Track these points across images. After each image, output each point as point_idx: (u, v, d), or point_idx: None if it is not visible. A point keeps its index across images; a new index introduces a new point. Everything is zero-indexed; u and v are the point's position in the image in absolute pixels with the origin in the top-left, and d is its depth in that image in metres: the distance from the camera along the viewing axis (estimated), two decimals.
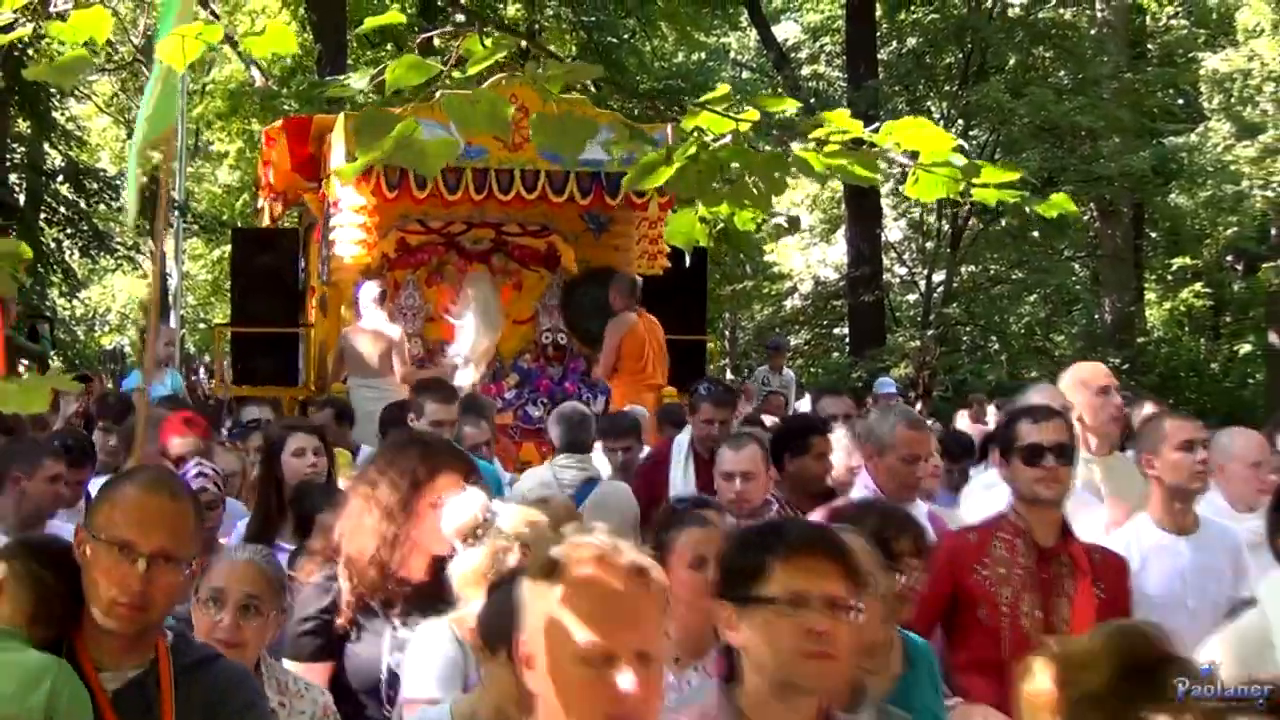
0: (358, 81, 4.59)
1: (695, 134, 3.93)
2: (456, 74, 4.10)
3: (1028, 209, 3.92)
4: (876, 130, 3.75)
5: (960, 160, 3.72)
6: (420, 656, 4.66)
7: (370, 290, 13.99)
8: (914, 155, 3.79)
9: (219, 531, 7.48)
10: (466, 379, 14.73)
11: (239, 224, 30.23)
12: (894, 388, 20.64)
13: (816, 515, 6.38)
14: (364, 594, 5.00)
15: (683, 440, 9.94)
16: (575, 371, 15.97)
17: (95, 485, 7.81)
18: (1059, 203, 4.02)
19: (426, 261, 16.01)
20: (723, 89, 4.05)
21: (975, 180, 3.76)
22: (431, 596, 4.85)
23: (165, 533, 3.61)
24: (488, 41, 3.96)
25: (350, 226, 14.15)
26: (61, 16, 3.73)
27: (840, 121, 3.75)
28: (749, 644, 3.54)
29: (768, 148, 4.06)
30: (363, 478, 5.28)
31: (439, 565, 4.85)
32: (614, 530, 7.35)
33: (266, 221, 18.92)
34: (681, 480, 9.56)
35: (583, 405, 11.20)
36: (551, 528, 6.14)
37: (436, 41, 23.76)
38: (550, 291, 16.20)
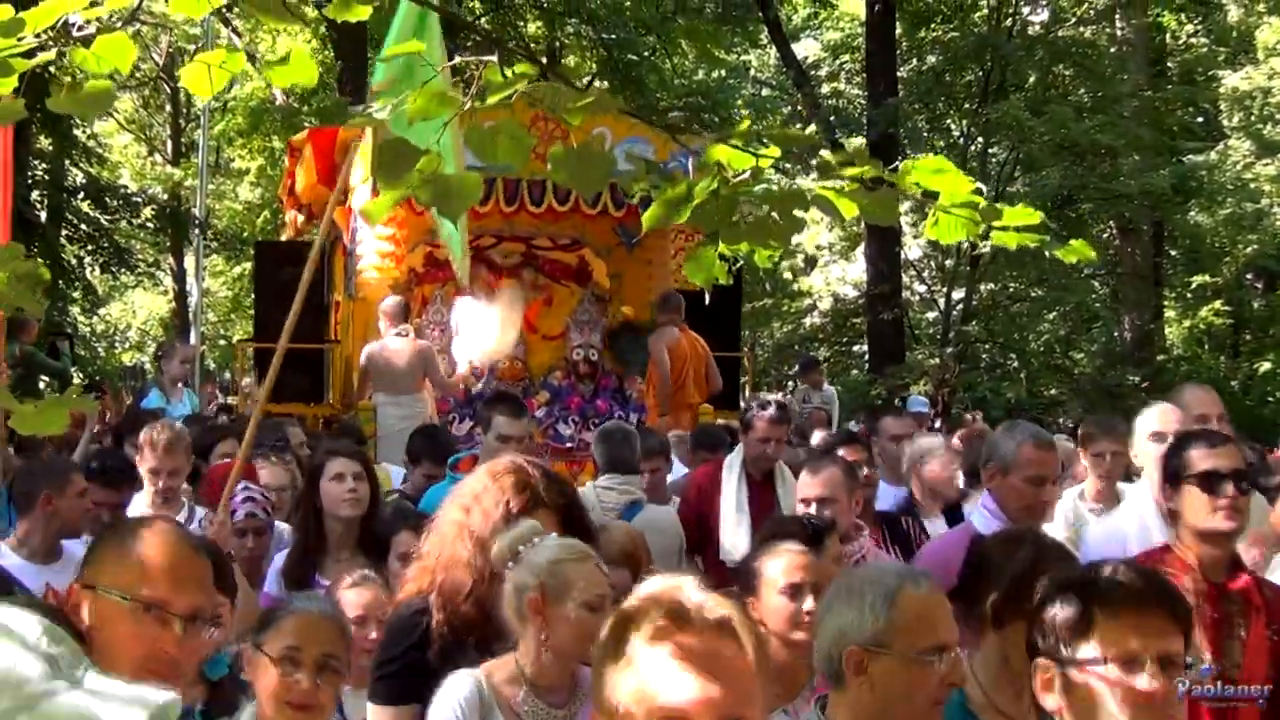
0: (379, 110, 4.60)
1: (716, 168, 3.93)
2: (477, 103, 4.11)
3: (1048, 253, 3.90)
4: (895, 170, 3.75)
5: (980, 203, 3.72)
6: (441, 703, 4.44)
7: (394, 305, 13.81)
8: (933, 194, 3.79)
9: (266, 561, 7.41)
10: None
11: (260, 240, 30.17)
12: (925, 406, 20.36)
13: (953, 538, 6.24)
14: (459, 630, 4.78)
15: (734, 461, 9.39)
16: (607, 389, 15.52)
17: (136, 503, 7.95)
18: (1078, 249, 4.01)
19: (455, 276, 15.02)
20: (744, 124, 4.05)
21: (996, 223, 3.76)
22: None
23: (197, 590, 3.38)
24: (508, 71, 3.96)
25: (377, 240, 14.00)
26: (85, 42, 3.74)
27: (859, 162, 3.75)
28: (1070, 708, 3.34)
29: (786, 181, 4.06)
30: (456, 502, 5.06)
31: None
32: (659, 555, 7.10)
33: (289, 235, 18.56)
34: (734, 504, 9.09)
35: (627, 424, 10.94)
36: (617, 558, 6.09)
37: (457, 62, 23.86)
38: (581, 307, 15.85)
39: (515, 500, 4.83)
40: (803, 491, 7.10)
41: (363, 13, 3.84)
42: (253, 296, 20.81)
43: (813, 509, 6.77)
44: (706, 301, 11.57)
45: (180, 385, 14.88)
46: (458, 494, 5.12)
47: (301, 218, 17.65)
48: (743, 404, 17.61)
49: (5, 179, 5.54)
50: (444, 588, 4.82)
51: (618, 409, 14.82)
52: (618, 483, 8.94)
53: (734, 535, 8.85)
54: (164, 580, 3.30)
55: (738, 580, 5.22)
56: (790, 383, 31.76)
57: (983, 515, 6.31)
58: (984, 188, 3.57)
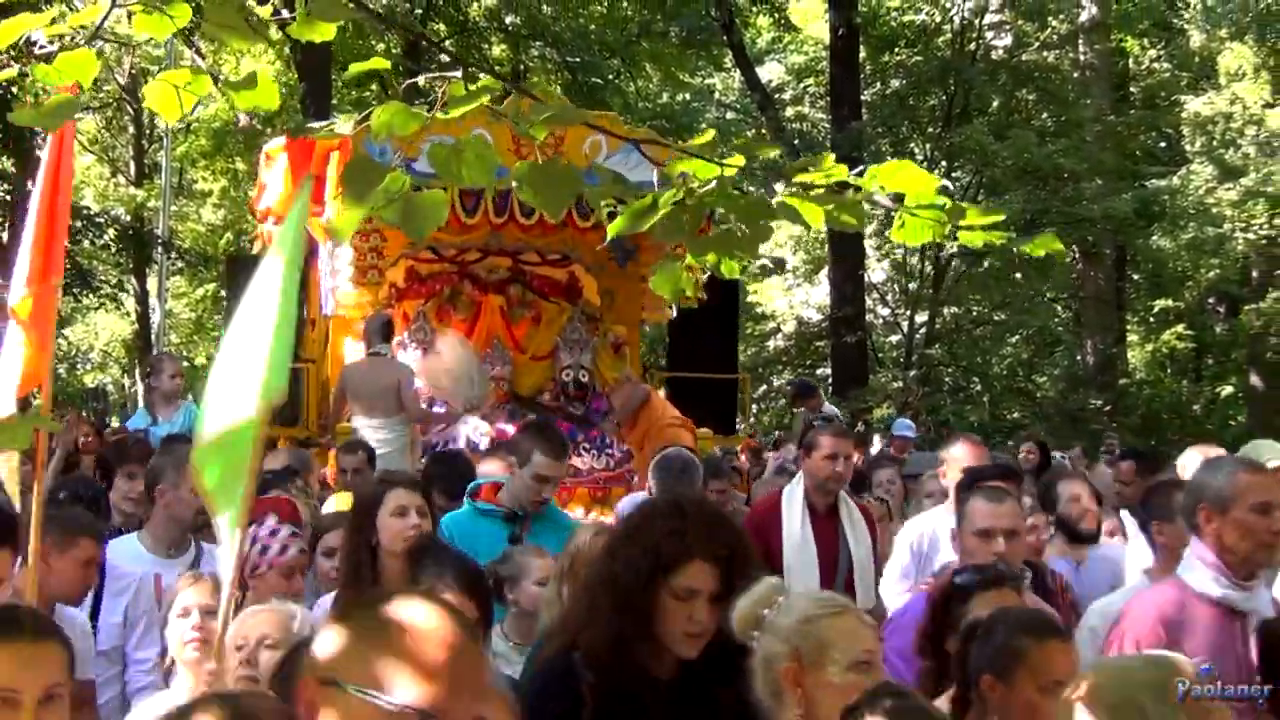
0: (343, 126, 4.58)
1: (681, 179, 3.92)
2: (441, 117, 4.09)
3: (1015, 250, 3.89)
4: (861, 174, 3.74)
5: (945, 202, 3.71)
6: None
7: (375, 322, 13.16)
8: (899, 199, 3.78)
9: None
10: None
11: (230, 254, 29.79)
12: (911, 430, 19.53)
13: (1167, 598, 5.49)
14: (613, 693, 4.21)
15: (794, 492, 8.60)
16: (599, 411, 14.39)
17: (116, 546, 7.40)
18: (1045, 242, 3.99)
19: (438, 292, 14.78)
20: (708, 134, 4.04)
21: (961, 222, 3.75)
22: (692, 698, 4.23)
23: (476, 698, 2.58)
24: (471, 86, 3.94)
25: (356, 254, 13.30)
26: (47, 59, 3.72)
27: (825, 166, 3.74)
28: None
29: (753, 189, 4.06)
30: (596, 545, 4.77)
31: (700, 662, 4.20)
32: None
33: (261, 248, 17.15)
34: (799, 540, 8.36)
35: (687, 450, 10.20)
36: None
37: (421, 82, 23.80)
38: (571, 325, 14.72)
39: (667, 548, 4.21)
40: (982, 521, 6.25)
41: (326, 32, 3.83)
42: (217, 317, 20.59)
43: (998, 543, 6.11)
44: (714, 304, 11.06)
45: (177, 400, 13.75)
46: (594, 539, 4.83)
47: (276, 231, 16.51)
48: (740, 428, 17.30)
49: (56, 193, 5.41)
50: (591, 646, 4.27)
51: (610, 435, 13.77)
52: None
53: (803, 575, 8.07)
54: (440, 682, 2.50)
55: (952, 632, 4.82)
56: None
57: (1199, 568, 5.49)
58: (949, 184, 3.55)
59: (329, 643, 2.60)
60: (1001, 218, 3.79)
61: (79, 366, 50.67)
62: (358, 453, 10.67)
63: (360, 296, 13.70)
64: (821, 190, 3.88)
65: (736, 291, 17.70)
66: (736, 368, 17.61)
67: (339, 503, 8.94)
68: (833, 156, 3.92)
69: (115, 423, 33.04)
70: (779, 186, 3.88)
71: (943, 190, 3.69)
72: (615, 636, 4.20)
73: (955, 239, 3.87)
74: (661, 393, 15.20)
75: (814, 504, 8.50)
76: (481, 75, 4.05)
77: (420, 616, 2.57)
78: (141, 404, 15.05)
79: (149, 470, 7.83)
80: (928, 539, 8.29)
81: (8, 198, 32.35)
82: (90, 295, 38.00)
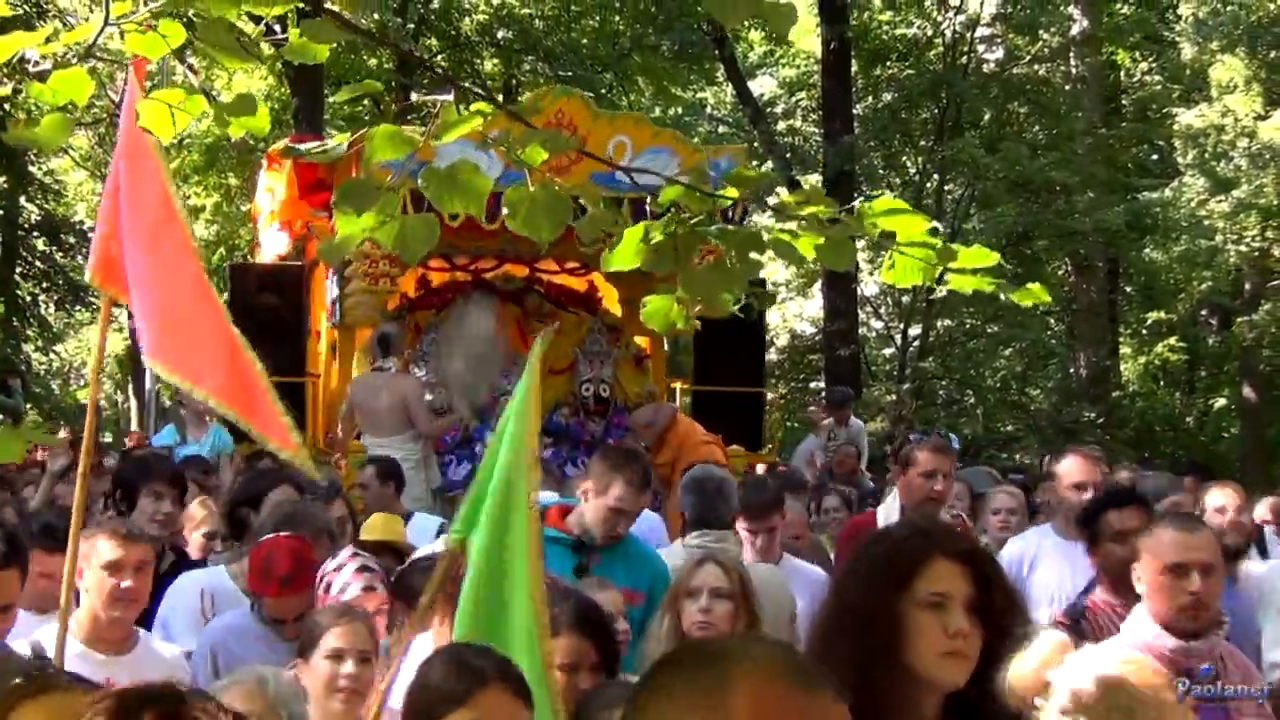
0: (335, 146, 4.58)
1: (672, 210, 3.91)
2: (434, 142, 4.09)
3: (1003, 295, 3.87)
4: (852, 211, 3.73)
5: (936, 243, 3.71)
6: None
7: (380, 335, 12.75)
8: (889, 237, 3.76)
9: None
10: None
11: (233, 262, 29.26)
12: (955, 442, 18.38)
13: None
14: None
15: (890, 513, 7.90)
16: (620, 427, 13.83)
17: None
18: (1035, 293, 3.98)
19: (451, 301, 14.13)
20: (699, 156, 4.05)
21: (952, 265, 3.74)
22: None
23: None
24: (463, 109, 3.95)
25: (367, 262, 12.74)
26: (41, 77, 3.73)
27: (814, 200, 3.74)
28: None
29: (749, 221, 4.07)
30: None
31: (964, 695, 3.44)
32: (770, 629, 6.08)
33: (267, 258, 16.87)
34: None
35: (719, 470, 9.42)
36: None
37: (414, 97, 23.81)
38: (591, 336, 14.15)
39: (907, 547, 3.56)
40: (1174, 554, 5.29)
41: (320, 54, 3.83)
42: None
43: (1193, 579, 5.16)
44: (738, 317, 10.66)
45: (207, 421, 13.13)
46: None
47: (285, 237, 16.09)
48: (768, 446, 16.78)
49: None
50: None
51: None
52: (712, 540, 7.46)
53: None
54: None
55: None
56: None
57: None
58: (939, 226, 3.50)
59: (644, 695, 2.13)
60: (993, 261, 3.76)
61: (72, 383, 50.64)
62: (366, 468, 10.42)
63: (369, 306, 13.17)
64: (810, 220, 3.87)
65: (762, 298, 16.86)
66: (762, 381, 16.75)
67: (374, 524, 8.56)
68: (823, 189, 3.93)
69: (109, 438, 33.10)
70: (767, 220, 3.90)
71: (933, 231, 3.68)
72: (859, 667, 3.33)
73: (945, 282, 3.84)
74: (684, 404, 14.99)
75: None
76: (474, 95, 4.05)
77: (748, 670, 2.06)
78: (161, 421, 14.53)
79: None
80: (1028, 562, 7.69)
81: (1, 213, 32.38)
82: (84, 310, 38.07)
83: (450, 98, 3.98)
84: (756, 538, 7.82)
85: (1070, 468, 7.99)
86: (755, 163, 31.08)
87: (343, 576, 6.07)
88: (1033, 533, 8.27)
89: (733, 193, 3.87)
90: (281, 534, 6.57)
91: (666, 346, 16.02)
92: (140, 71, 5.38)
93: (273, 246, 16.21)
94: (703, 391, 16.17)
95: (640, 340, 14.66)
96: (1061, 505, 8.01)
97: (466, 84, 4.03)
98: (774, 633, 6.62)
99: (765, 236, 3.85)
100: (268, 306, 14.53)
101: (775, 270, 34.78)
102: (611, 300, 14.79)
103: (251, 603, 6.53)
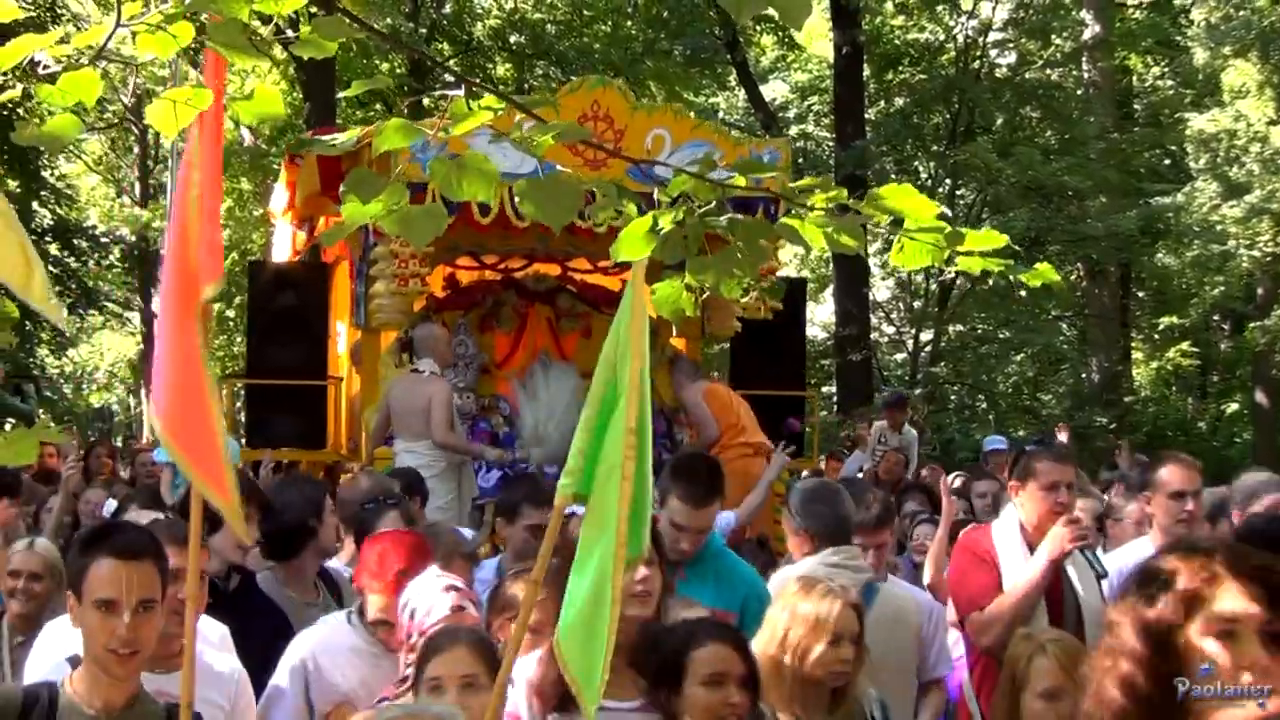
0: (345, 141, 4.58)
1: (682, 199, 3.90)
2: (444, 136, 4.09)
3: (1011, 277, 3.85)
4: (862, 197, 3.72)
5: (945, 226, 3.69)
6: None
7: (420, 335, 12.23)
8: (898, 222, 3.75)
9: None
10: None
11: (253, 259, 28.80)
12: (1004, 443, 17.31)
13: None
14: None
15: (1008, 526, 6.91)
16: (658, 434, 12.46)
17: None
18: (1043, 272, 3.94)
19: (481, 302, 13.65)
20: (708, 158, 4.03)
21: (960, 247, 3.71)
22: None
23: None
24: (474, 104, 3.94)
25: (395, 260, 12.20)
26: (51, 79, 3.72)
27: (823, 188, 3.73)
28: None
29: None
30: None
31: None
32: (896, 650, 6.22)
33: (284, 255, 16.27)
34: (1024, 588, 6.55)
35: (830, 480, 8.86)
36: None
37: (426, 101, 23.82)
38: None
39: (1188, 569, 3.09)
40: None
41: (330, 49, 3.83)
42: (223, 337, 20.39)
43: None
44: (779, 316, 10.16)
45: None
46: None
47: (304, 235, 15.53)
48: (816, 456, 16.40)
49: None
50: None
51: (665, 455, 11.66)
52: (845, 558, 6.64)
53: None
54: None
55: None
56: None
57: None
58: (949, 211, 3.49)
59: None
60: (1001, 243, 3.71)
61: (84, 387, 50.72)
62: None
63: (395, 309, 12.55)
64: (820, 214, 3.86)
65: (804, 297, 16.42)
66: (803, 384, 15.95)
67: None
68: (831, 179, 3.92)
69: (119, 443, 33.13)
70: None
71: (942, 216, 3.65)
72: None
73: (954, 264, 3.80)
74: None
75: (1032, 543, 6.74)
76: (485, 93, 4.04)
77: None
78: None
79: None
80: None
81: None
82: (96, 314, 38.14)
83: (460, 93, 3.97)
84: (868, 553, 7.12)
85: (1170, 476, 7.57)
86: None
87: (427, 599, 5.43)
88: (1132, 546, 7.85)
89: (741, 181, 3.86)
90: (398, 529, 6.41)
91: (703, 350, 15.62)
92: (220, 71, 5.06)
93: (287, 244, 16.02)
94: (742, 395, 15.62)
95: (676, 342, 14.33)
96: (1166, 513, 7.52)
97: (477, 86, 3.99)
98: (898, 655, 6.64)
99: (775, 224, 3.85)
100: (289, 306, 14.06)
101: (786, 272, 34.79)
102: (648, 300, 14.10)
103: (348, 613, 6.13)
